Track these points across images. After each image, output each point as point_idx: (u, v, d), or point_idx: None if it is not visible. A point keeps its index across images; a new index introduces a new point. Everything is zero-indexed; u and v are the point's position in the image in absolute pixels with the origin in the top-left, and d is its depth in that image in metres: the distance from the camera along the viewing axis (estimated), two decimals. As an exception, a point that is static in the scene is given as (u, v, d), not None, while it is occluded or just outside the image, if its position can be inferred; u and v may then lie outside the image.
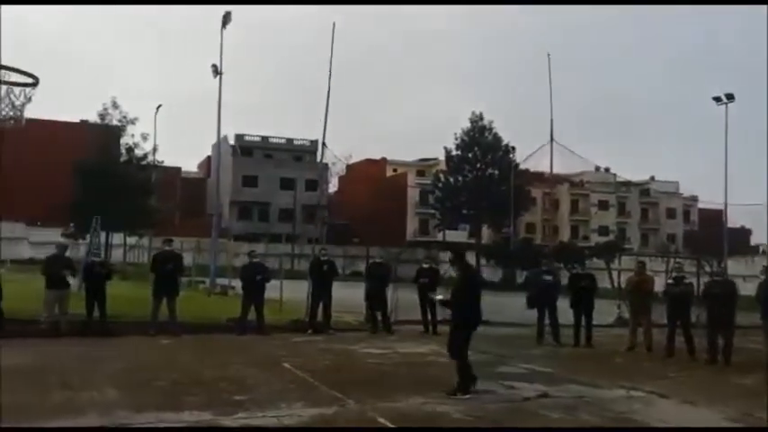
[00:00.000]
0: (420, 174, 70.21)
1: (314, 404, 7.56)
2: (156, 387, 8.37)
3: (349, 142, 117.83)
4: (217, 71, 26.00)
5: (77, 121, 47.55)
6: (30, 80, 5.32)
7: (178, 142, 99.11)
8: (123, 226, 35.41)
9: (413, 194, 68.09)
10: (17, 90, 5.27)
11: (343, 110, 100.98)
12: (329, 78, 17.98)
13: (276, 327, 14.32)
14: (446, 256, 15.13)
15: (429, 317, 14.95)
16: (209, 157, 69.14)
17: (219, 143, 27.40)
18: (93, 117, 38.74)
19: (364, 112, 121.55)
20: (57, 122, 51.82)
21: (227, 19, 25.96)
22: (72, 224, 36.53)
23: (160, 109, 47.35)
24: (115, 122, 38.05)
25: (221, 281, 24.28)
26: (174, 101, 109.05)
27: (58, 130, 49.94)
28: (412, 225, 67.69)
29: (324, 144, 18.64)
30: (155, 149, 39.90)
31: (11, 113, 5.22)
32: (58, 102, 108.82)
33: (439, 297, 10.03)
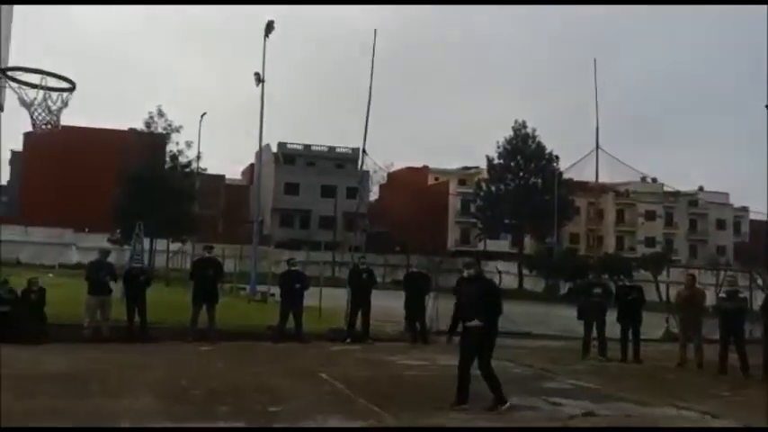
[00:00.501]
0: (462, 182, 69.72)
1: (349, 417, 7.38)
2: (192, 395, 8.30)
3: (391, 150, 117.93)
4: (259, 79, 26.17)
5: (125, 129, 48.47)
6: (67, 85, 5.27)
7: (223, 150, 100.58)
8: (167, 232, 35.84)
9: (454, 203, 67.70)
10: (54, 95, 5.23)
11: (385, 117, 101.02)
12: (370, 85, 17.84)
13: (314, 335, 14.19)
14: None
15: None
16: (252, 165, 69.91)
17: (261, 151, 27.57)
18: (140, 125, 39.37)
19: (407, 119, 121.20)
20: (105, 130, 53.02)
21: (270, 27, 26.15)
22: (118, 230, 37.22)
23: (205, 117, 47.81)
24: (160, 130, 38.68)
25: (261, 288, 24.33)
26: (219, 109, 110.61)
27: (106, 138, 50.97)
28: (453, 234, 67.26)
29: (364, 151, 18.49)
30: (198, 157, 40.42)
31: (47, 118, 5.19)
32: (107, 109, 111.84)
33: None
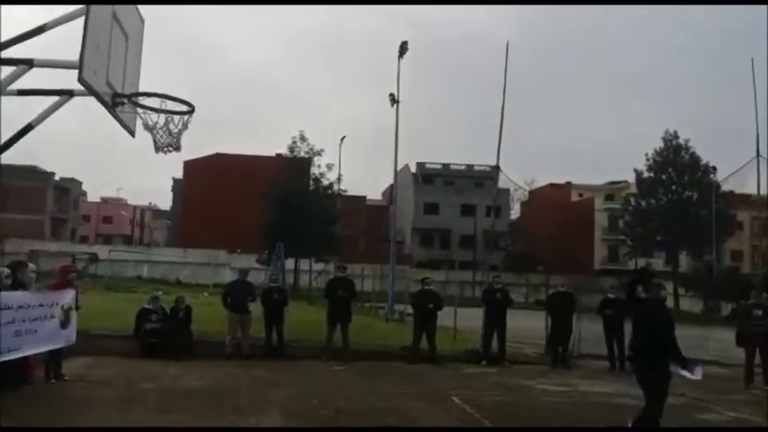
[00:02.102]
0: (608, 198, 66.59)
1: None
2: (321, 415, 8.25)
3: (531, 167, 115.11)
4: (394, 100, 26.42)
5: (273, 154, 50.84)
6: (186, 108, 5.41)
7: (364, 171, 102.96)
8: (310, 252, 37.03)
9: (600, 220, 64.74)
10: (176, 118, 5.38)
11: (523, 133, 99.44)
12: (503, 99, 17.36)
13: (449, 356, 13.83)
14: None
15: (616, 352, 13.68)
16: (391, 186, 70.95)
17: (397, 171, 27.73)
18: (284, 149, 41.22)
19: (546, 135, 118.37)
20: (255, 157, 55.92)
21: (404, 48, 26.36)
22: (266, 251, 38.92)
23: (347, 139, 49.18)
24: (303, 154, 40.23)
25: (399, 307, 24.29)
26: (359, 131, 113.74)
27: (256, 164, 53.73)
28: (600, 252, 64.27)
29: (498, 167, 18.00)
30: (339, 179, 41.59)
31: (168, 140, 5.36)
32: (257, 135, 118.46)
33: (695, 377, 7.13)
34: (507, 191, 64.99)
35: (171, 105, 5.35)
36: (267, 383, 10.35)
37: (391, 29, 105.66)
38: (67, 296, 9.92)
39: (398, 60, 26.46)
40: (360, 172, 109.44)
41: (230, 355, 12.81)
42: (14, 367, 8.85)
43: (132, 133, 5.82)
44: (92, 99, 5.27)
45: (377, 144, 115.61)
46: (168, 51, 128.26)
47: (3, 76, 4.73)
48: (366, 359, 13.18)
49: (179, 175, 66.48)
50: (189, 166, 63.34)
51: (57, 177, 64.31)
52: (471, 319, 16.46)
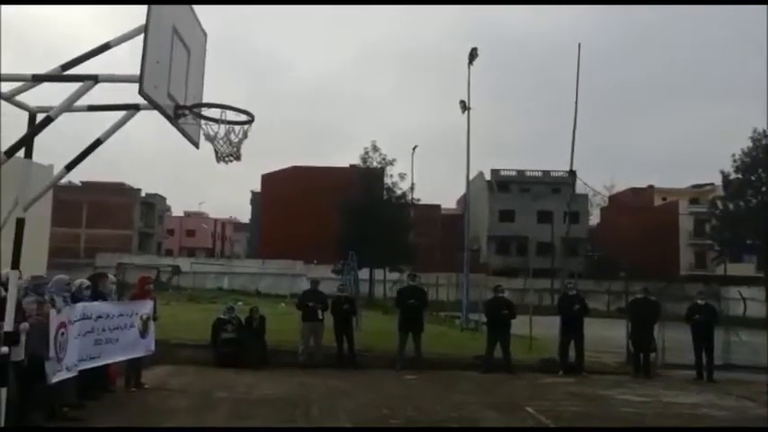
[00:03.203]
0: (693, 201, 63.88)
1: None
2: (391, 425, 8.16)
3: (611, 171, 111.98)
4: (465, 107, 26.18)
5: (347, 165, 51.38)
6: (246, 117, 5.46)
7: (439, 180, 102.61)
8: (384, 262, 37.12)
9: (686, 224, 62.10)
10: (237, 128, 5.45)
11: (601, 137, 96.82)
12: (576, 102, 16.91)
13: (524, 366, 13.48)
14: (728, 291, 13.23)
15: (704, 361, 13.02)
16: (466, 194, 70.40)
17: (469, 179, 27.44)
18: (357, 160, 41.57)
19: (625, 138, 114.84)
20: (330, 168, 56.65)
21: (473, 54, 26.12)
22: (340, 261, 39.25)
23: (420, 148, 49.18)
24: (375, 164, 40.47)
25: (474, 316, 23.96)
26: (434, 139, 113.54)
27: (331, 175, 54.42)
28: (686, 258, 61.60)
29: (572, 171, 17.51)
30: (412, 188, 41.57)
31: (228, 150, 5.42)
32: (332, 146, 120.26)
33: None
34: (585, 196, 63.39)
35: (231, 116, 5.41)
36: (338, 392, 10.35)
37: (462, 34, 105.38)
38: (146, 306, 10.23)
39: (468, 67, 26.24)
40: (435, 181, 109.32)
41: (303, 364, 12.91)
42: (96, 376, 9.19)
43: (196, 145, 5.93)
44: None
45: (452, 152, 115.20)
46: (241, 67, 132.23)
47: (70, 93, 4.91)
48: (439, 368, 13.02)
49: (258, 188, 68.11)
50: (266, 179, 64.86)
51: (143, 193, 67.01)
52: (549, 327, 16.03)
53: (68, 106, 4.91)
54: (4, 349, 5.42)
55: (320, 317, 13.21)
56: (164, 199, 74.65)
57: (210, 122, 5.48)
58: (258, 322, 13.16)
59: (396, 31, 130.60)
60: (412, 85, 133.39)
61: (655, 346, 13.65)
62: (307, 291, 13.84)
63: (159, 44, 4.91)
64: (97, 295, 9.23)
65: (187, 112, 5.38)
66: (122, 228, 62.08)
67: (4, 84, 5.21)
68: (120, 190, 64.50)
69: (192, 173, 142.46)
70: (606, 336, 16.12)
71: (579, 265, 57.77)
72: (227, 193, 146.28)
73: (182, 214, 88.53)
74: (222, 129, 5.36)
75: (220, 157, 5.44)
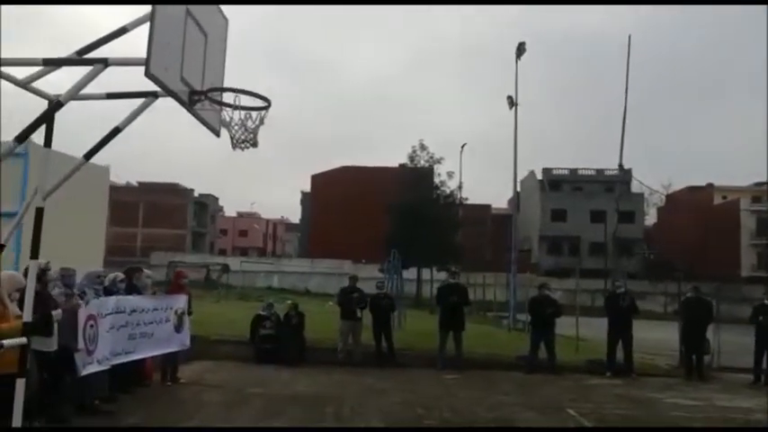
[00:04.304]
0: (756, 199, 61.35)
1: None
2: (424, 425, 7.89)
3: (668, 170, 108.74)
4: (512, 102, 25.63)
5: (396, 165, 51.24)
6: (263, 103, 5.28)
7: (490, 180, 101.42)
8: (432, 261, 36.73)
9: (747, 223, 59.73)
10: (254, 114, 5.27)
11: (659, 135, 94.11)
12: (625, 98, 16.26)
13: (570, 367, 13.00)
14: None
15: (765, 364, 12.32)
16: (517, 193, 69.33)
17: (517, 175, 26.85)
18: (404, 159, 41.29)
19: (682, 136, 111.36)
20: (379, 168, 56.56)
21: (521, 49, 25.58)
22: (388, 260, 39.03)
23: (469, 146, 48.64)
24: (423, 163, 40.14)
25: (522, 317, 23.42)
26: (486, 138, 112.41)
27: (380, 175, 54.36)
28: (748, 258, 59.22)
29: (620, 166, 16.85)
30: (460, 186, 41.10)
31: (243, 136, 5.24)
32: (381, 146, 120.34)
33: None
34: (641, 195, 61.74)
35: (248, 102, 5.23)
36: (374, 391, 10.12)
37: (511, 29, 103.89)
38: (181, 301, 10.22)
39: (516, 62, 25.71)
40: (486, 181, 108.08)
41: (342, 362, 12.74)
42: (132, 370, 9.20)
43: (217, 133, 5.77)
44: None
45: (505, 151, 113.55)
46: (289, 68, 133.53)
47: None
48: (481, 368, 12.67)
49: (308, 188, 68.59)
50: (316, 179, 65.24)
51: (196, 194, 68.24)
52: (599, 328, 15.38)
53: (78, 90, 4.81)
54: (24, 339, 5.33)
55: (359, 315, 13.02)
56: (216, 199, 75.90)
57: (226, 108, 5.32)
58: (297, 319, 13.04)
59: (443, 27, 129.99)
60: (463, 83, 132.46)
61: (708, 348, 12.99)
62: (345, 288, 13.64)
63: (169, 25, 4.76)
64: (132, 289, 9.24)
65: (203, 97, 5.22)
66: (176, 227, 63.38)
67: (20, 70, 5.14)
68: (174, 190, 65.83)
69: (244, 174, 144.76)
70: (661, 338, 15.48)
71: (635, 265, 56.21)
72: (279, 194, 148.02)
73: (235, 215, 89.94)
74: (238, 114, 5.19)
75: (236, 144, 5.28)
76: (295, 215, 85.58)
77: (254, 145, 5.32)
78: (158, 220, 62.61)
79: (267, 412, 8.27)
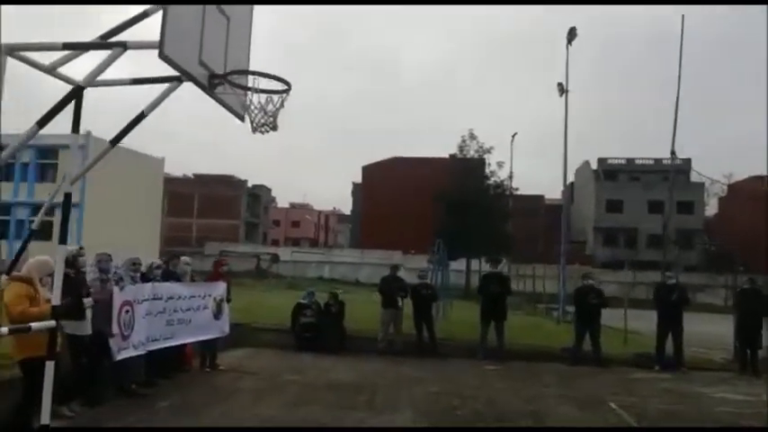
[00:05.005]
0: (826, 189, 58.56)
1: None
2: (455, 416, 7.75)
3: (731, 160, 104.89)
4: (563, 89, 25.01)
5: (446, 156, 50.86)
6: (283, 86, 5.21)
7: (544, 170, 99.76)
8: (481, 252, 36.27)
9: (818, 213, 57.05)
10: (275, 97, 5.20)
11: (718, 121, 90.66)
12: (678, 82, 15.59)
13: (617, 360, 12.61)
14: None
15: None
16: (571, 184, 68.01)
17: (566, 164, 26.12)
18: (454, 150, 40.84)
19: (745, 123, 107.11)
20: (429, 159, 56.23)
21: (572, 34, 24.90)
22: (432, 250, 38.78)
23: (521, 137, 47.85)
24: (472, 153, 39.67)
25: (572, 308, 22.92)
26: (541, 129, 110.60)
27: (430, 166, 54.03)
28: (818, 250, 56.59)
29: (673, 153, 16.26)
30: (510, 176, 40.49)
31: (263, 120, 5.19)
32: (431, 137, 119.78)
33: None
34: (701, 185, 59.71)
35: (266, 85, 5.17)
36: (411, 380, 10.02)
37: (561, 14, 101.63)
38: (220, 288, 10.31)
39: (567, 47, 25.05)
40: (540, 171, 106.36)
41: (382, 351, 12.68)
42: (171, 355, 9.33)
43: (241, 117, 5.73)
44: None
45: (557, 142, 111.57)
46: (342, 60, 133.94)
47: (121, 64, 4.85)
48: (524, 360, 12.41)
49: (359, 179, 68.79)
50: (367, 170, 65.34)
51: (249, 185, 69.25)
52: (653, 321, 14.96)
53: (99, 74, 4.82)
54: (52, 323, 5.42)
55: (400, 304, 12.93)
56: (269, 190, 76.86)
57: (247, 92, 5.27)
58: (336, 308, 13.04)
59: (493, 14, 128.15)
60: (514, 71, 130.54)
61: (761, 342, 12.40)
62: (386, 277, 13.55)
63: (186, 7, 4.72)
64: (170, 276, 9.36)
65: (223, 81, 5.18)
66: (230, 218, 64.45)
67: (44, 55, 5.20)
68: (228, 182, 66.94)
69: (297, 165, 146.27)
70: (718, 331, 14.94)
71: (695, 257, 54.51)
72: (332, 185, 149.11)
73: (287, 206, 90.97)
74: (257, 98, 5.14)
75: (256, 127, 5.23)
76: (347, 206, 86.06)
77: (274, 128, 5.27)
78: (213, 211, 63.79)
79: (299, 399, 8.27)
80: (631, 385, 10.47)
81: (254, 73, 5.20)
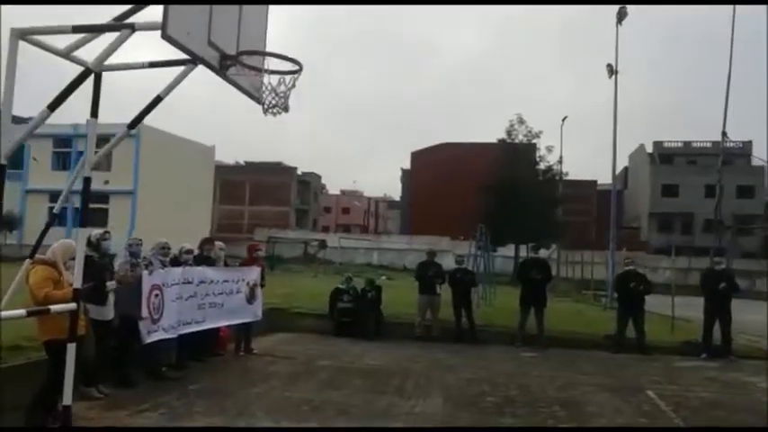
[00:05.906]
0: None
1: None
2: (485, 402, 7.59)
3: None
4: (612, 71, 24.28)
5: (495, 140, 50.16)
6: (295, 67, 5.12)
7: (596, 154, 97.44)
8: (530, 238, 35.66)
9: None
10: (287, 78, 5.12)
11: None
12: (730, 60, 14.89)
13: (663, 348, 12.20)
14: None
15: None
16: (625, 168, 66.34)
17: (616, 145, 25.40)
18: (502, 134, 40.18)
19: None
20: (478, 144, 55.54)
21: (622, 14, 24.10)
22: (473, 235, 38.31)
23: (571, 121, 46.77)
24: (521, 138, 38.97)
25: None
26: (591, 111, 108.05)
27: (479, 151, 53.36)
28: None
29: (724, 134, 15.59)
30: (560, 161, 39.64)
31: (274, 101, 5.11)
32: (479, 123, 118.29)
33: None
34: (761, 168, 57.39)
35: (277, 66, 5.09)
36: (444, 367, 9.90)
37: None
38: (253, 273, 10.37)
39: (617, 27, 24.28)
40: (594, 156, 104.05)
41: (420, 336, 12.58)
42: (207, 339, 9.44)
43: (258, 100, 5.66)
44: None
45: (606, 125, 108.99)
46: (390, 49, 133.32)
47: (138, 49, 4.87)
48: (564, 347, 12.13)
49: (408, 165, 68.57)
50: (416, 156, 65.09)
51: (299, 172, 69.78)
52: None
53: (108, 56, 4.80)
54: (73, 305, 5.49)
55: (437, 290, 12.79)
56: (319, 177, 77.31)
57: (258, 73, 5.20)
58: (373, 294, 12.99)
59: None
60: (563, 54, 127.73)
61: None
62: (424, 262, 13.41)
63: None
64: (204, 261, 9.43)
65: (235, 62, 5.12)
66: (281, 205, 65.11)
67: (59, 39, 5.23)
68: (279, 169, 67.58)
69: (348, 152, 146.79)
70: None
71: (754, 243, 52.54)
72: (382, 172, 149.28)
73: (338, 193, 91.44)
74: (268, 79, 5.06)
75: (267, 109, 5.16)
76: (397, 193, 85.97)
77: (286, 110, 5.19)
78: (264, 198, 64.52)
79: (330, 384, 8.25)
80: (674, 373, 10.12)
81: (265, 53, 5.13)
